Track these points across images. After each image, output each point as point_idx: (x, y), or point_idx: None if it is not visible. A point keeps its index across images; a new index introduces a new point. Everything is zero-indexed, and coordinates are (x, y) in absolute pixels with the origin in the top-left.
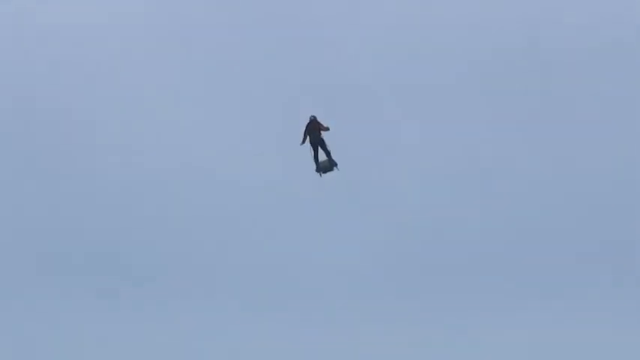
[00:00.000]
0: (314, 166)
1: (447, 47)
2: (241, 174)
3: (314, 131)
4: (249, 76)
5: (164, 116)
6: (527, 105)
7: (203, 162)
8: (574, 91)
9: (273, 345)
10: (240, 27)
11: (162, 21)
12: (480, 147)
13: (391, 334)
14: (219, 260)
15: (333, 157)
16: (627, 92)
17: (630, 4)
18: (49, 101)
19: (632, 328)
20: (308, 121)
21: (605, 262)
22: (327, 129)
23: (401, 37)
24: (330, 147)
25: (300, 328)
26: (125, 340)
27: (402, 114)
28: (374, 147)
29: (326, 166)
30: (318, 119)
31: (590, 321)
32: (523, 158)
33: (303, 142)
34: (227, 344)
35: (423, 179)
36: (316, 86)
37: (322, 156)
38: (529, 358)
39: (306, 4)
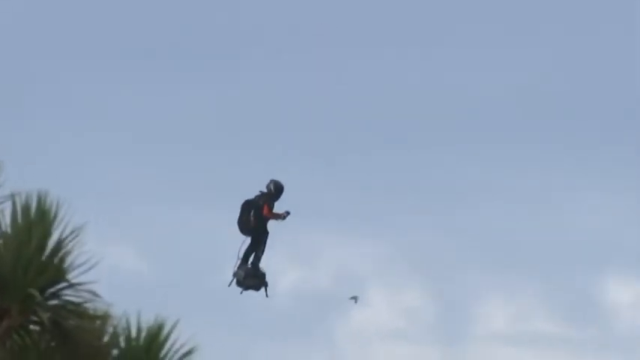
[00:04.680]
0: (233, 272)
1: None
2: None
3: (258, 216)
4: None
5: None
6: None
7: None
8: None
9: None
10: None
11: None
12: None
13: None
14: None
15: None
16: None
17: None
18: None
19: None
20: (255, 196)
21: None
22: (282, 216)
23: None
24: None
25: None
26: None
27: None
28: None
29: (252, 280)
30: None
31: None
32: None
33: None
34: None
35: None
36: None
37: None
38: None
39: None
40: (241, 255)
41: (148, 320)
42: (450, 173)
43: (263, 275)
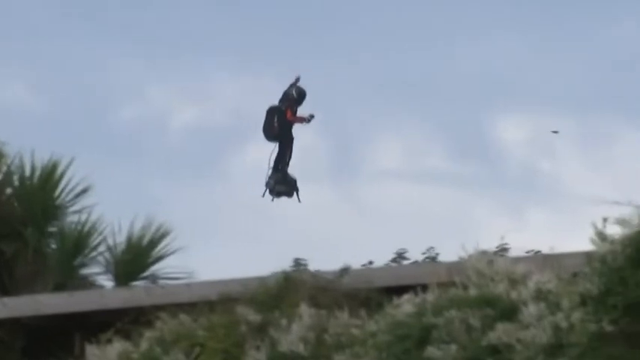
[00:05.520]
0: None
1: None
2: None
3: (281, 122)
4: None
5: None
6: None
7: None
8: None
9: None
10: None
11: None
12: None
13: None
14: None
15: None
16: None
17: None
18: None
19: None
20: (278, 102)
21: None
22: (306, 120)
23: None
24: None
25: None
26: None
27: None
28: None
29: (282, 186)
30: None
31: None
32: None
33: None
34: None
35: None
36: None
37: None
38: None
39: None
40: (272, 164)
41: (42, 159)
42: (350, 9)
43: (293, 181)
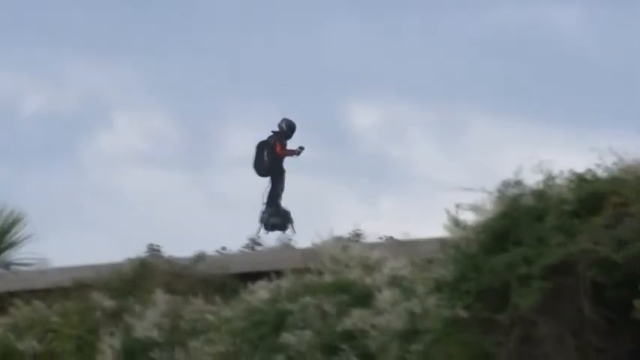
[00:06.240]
0: (259, 217)
1: None
2: None
3: (272, 156)
4: None
5: None
6: None
7: None
8: None
9: None
10: None
11: None
12: None
13: None
14: None
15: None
16: None
17: None
18: None
19: None
20: (268, 137)
21: None
22: (296, 152)
23: None
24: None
25: None
26: None
27: None
28: None
29: (276, 219)
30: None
31: None
32: None
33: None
34: None
35: None
36: None
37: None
38: None
39: None
40: (265, 199)
41: None
42: (204, 4)
43: (286, 213)
